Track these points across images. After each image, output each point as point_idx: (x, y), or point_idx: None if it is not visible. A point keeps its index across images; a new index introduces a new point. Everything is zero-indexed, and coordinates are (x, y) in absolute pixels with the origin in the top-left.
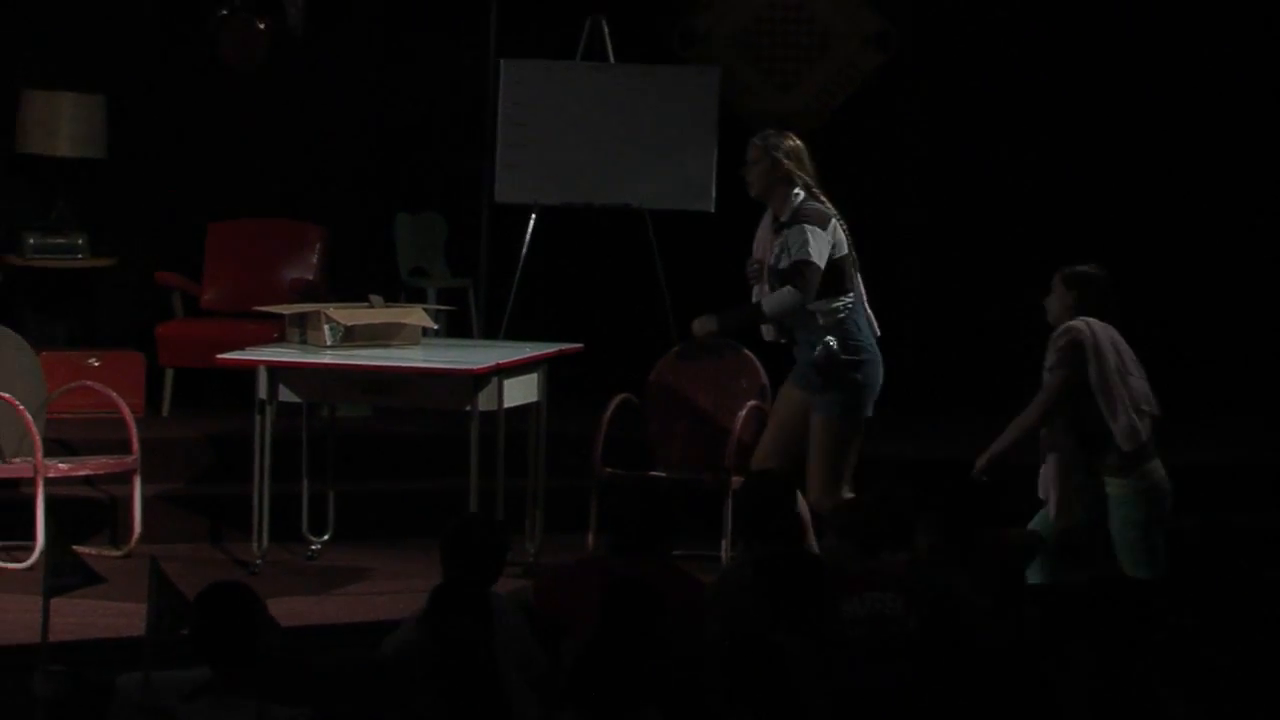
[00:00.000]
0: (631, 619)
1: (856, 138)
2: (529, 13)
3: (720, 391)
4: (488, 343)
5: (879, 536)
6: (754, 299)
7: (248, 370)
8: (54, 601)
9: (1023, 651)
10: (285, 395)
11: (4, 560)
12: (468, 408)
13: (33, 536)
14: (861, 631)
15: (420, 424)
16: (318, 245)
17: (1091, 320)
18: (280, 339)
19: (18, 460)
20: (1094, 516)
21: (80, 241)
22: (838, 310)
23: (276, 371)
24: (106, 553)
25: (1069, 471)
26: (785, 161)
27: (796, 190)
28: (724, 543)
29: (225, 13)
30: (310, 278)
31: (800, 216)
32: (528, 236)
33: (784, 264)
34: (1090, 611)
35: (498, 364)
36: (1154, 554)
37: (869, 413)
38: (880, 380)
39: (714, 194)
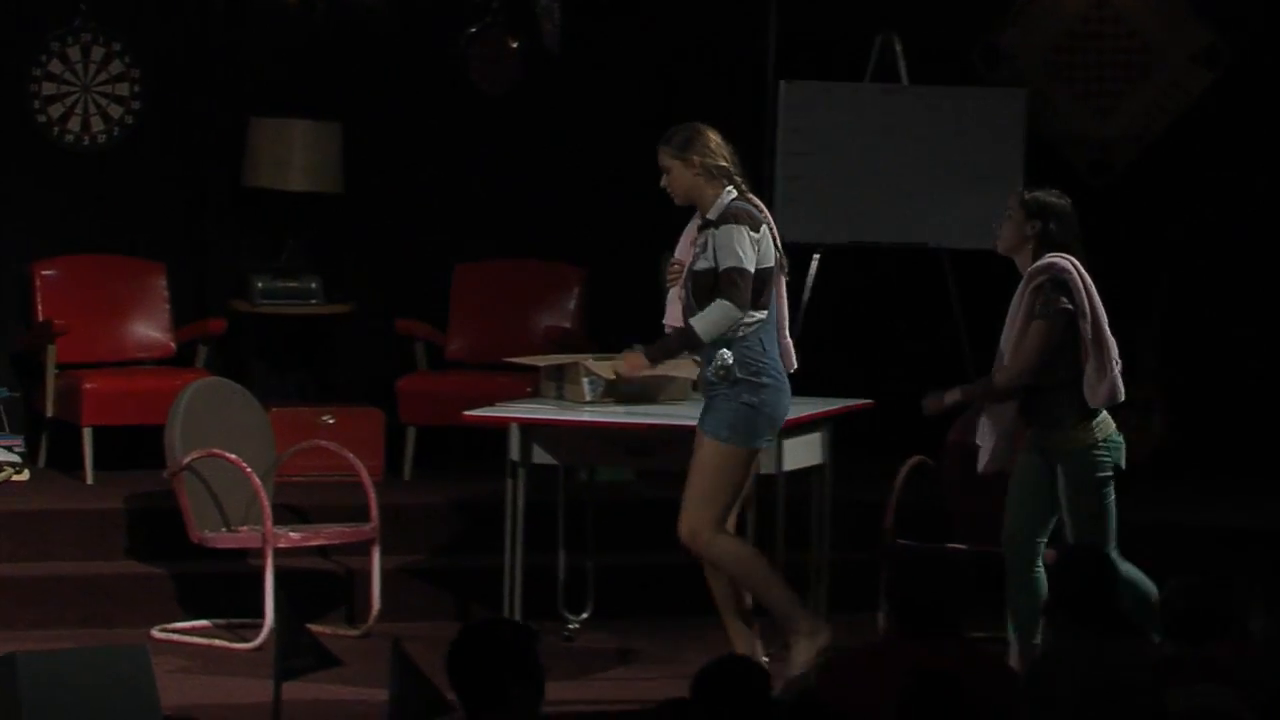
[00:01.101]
0: (933, 715)
1: (1178, 168)
2: (811, 29)
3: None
4: None
5: (1207, 621)
6: (668, 302)
7: (498, 429)
8: (286, 686)
9: None
10: (540, 457)
11: (230, 640)
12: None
13: (261, 614)
14: None
15: None
16: (575, 289)
17: (1073, 259)
18: (534, 394)
19: (245, 529)
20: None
21: (313, 285)
22: (743, 325)
23: (530, 430)
24: (342, 632)
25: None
26: (706, 159)
27: (729, 188)
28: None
29: (474, 30)
30: (567, 325)
31: (729, 216)
32: (809, 279)
33: (703, 265)
34: None
35: None
36: (1105, 519)
37: (763, 444)
38: (784, 412)
39: None
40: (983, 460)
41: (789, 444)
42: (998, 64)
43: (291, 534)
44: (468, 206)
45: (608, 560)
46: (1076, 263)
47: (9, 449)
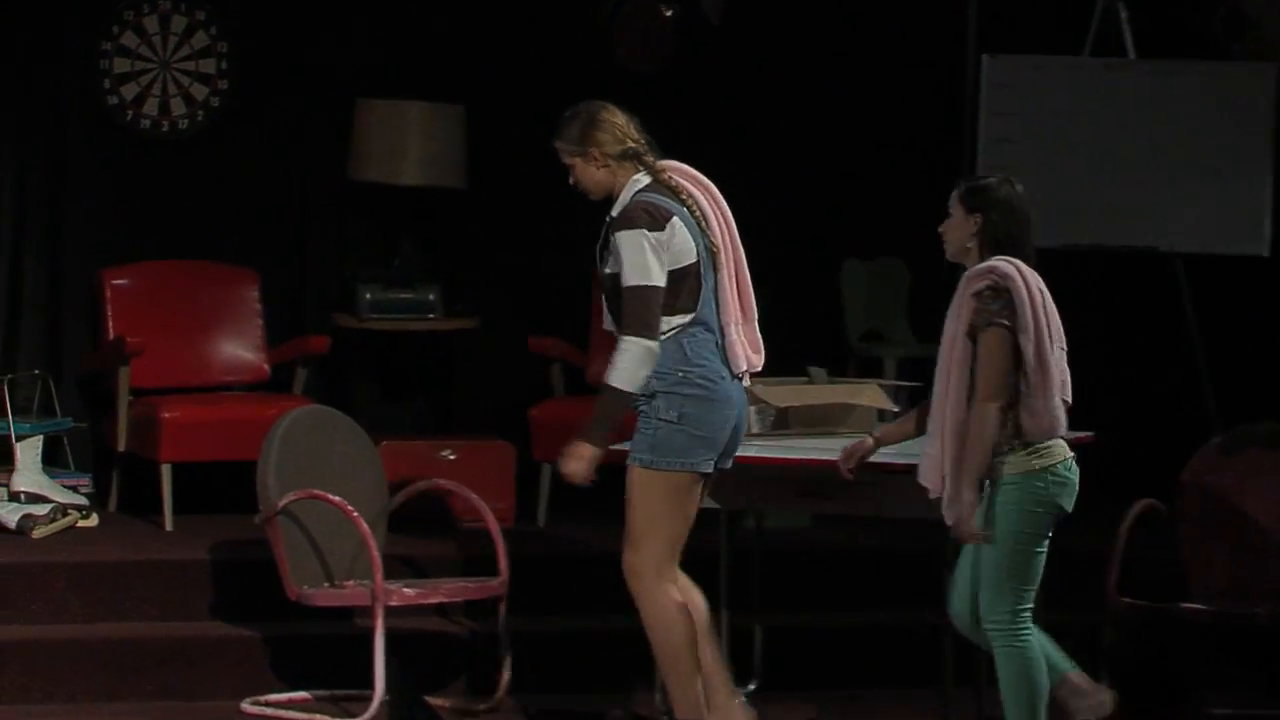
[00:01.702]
0: None
1: None
2: None
3: (1278, 496)
4: None
5: None
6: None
7: None
8: None
9: None
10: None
11: (334, 714)
12: (941, 516)
13: (370, 684)
14: None
15: (876, 537)
16: None
17: (1019, 263)
18: None
19: (351, 584)
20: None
21: (431, 297)
22: (665, 333)
23: None
24: (466, 706)
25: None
26: (607, 148)
27: (637, 175)
28: None
29: (621, 0)
30: None
31: (626, 219)
32: None
33: (611, 269)
34: None
35: None
36: (1025, 569)
37: (699, 467)
38: (722, 425)
39: (1269, 232)
40: (946, 510)
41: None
42: (1243, 32)
43: (405, 590)
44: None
45: (778, 621)
46: (1023, 267)
47: (75, 489)
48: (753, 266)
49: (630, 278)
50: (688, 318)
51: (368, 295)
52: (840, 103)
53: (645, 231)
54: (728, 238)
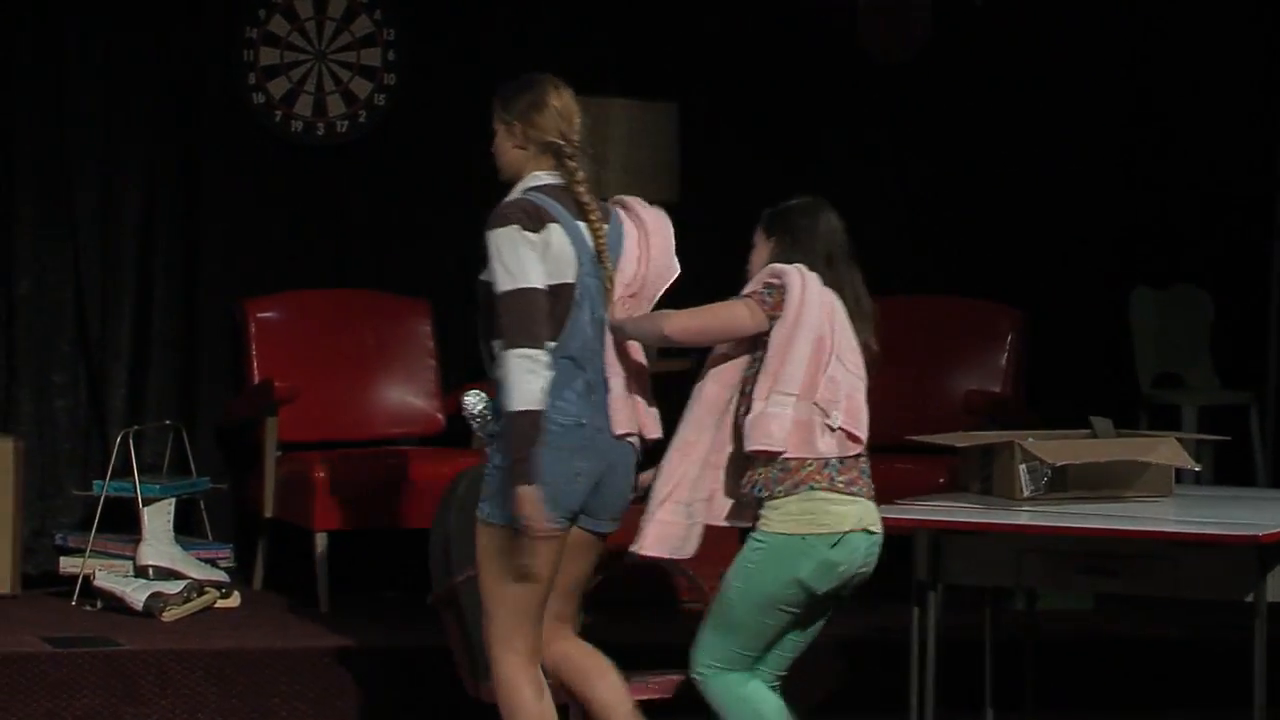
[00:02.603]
0: None
1: None
2: None
3: None
4: None
5: None
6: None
7: (899, 535)
8: None
9: None
10: (958, 574)
11: None
12: (1249, 597)
13: None
14: None
15: (1173, 623)
16: (1008, 337)
17: (806, 270)
18: (950, 486)
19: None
20: None
21: None
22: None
23: (944, 537)
24: None
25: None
26: (532, 130)
27: (539, 174)
28: None
29: None
30: (996, 390)
31: (500, 215)
32: None
33: (485, 275)
34: None
35: None
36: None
37: (560, 523)
38: (577, 481)
39: None
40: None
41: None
42: None
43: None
44: (854, 219)
45: None
46: (809, 274)
47: (213, 563)
48: (1022, 298)
49: (502, 283)
50: (555, 343)
51: None
52: (1127, 101)
53: (519, 229)
54: (639, 283)
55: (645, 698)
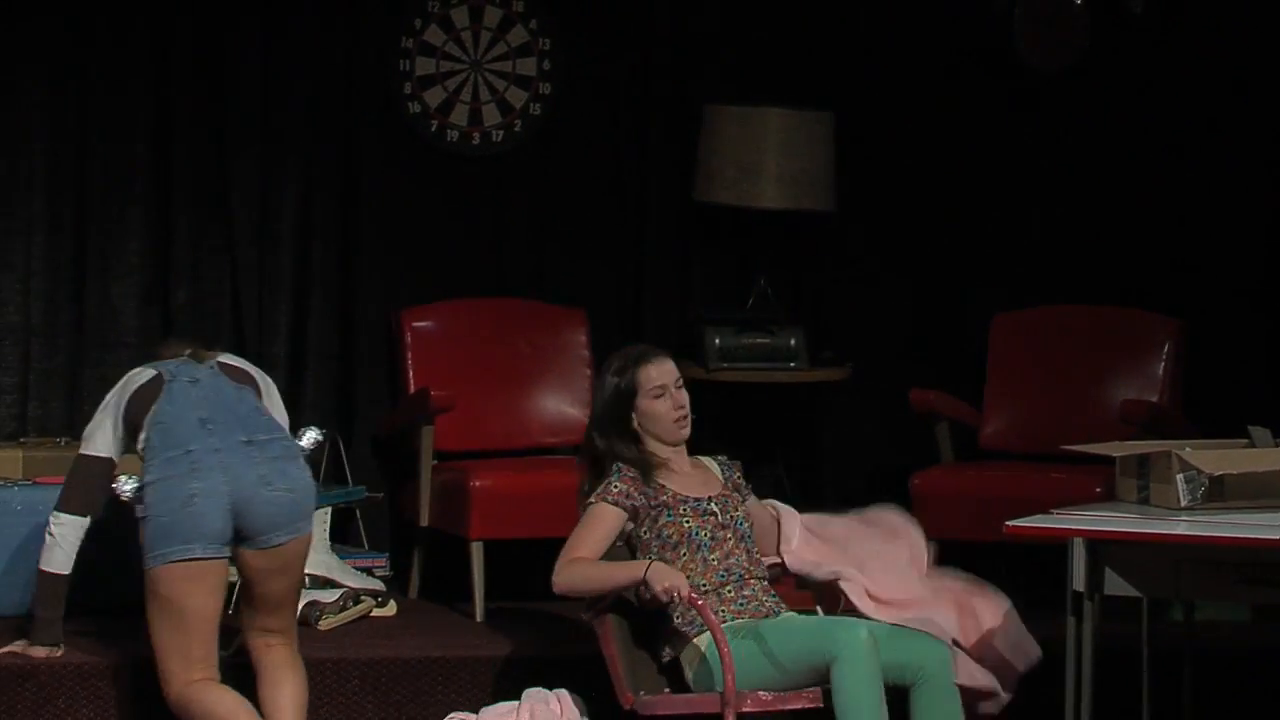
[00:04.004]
0: None
1: None
2: None
3: None
4: None
5: None
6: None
7: (1052, 546)
8: None
9: None
10: (1116, 585)
11: None
12: None
13: None
14: None
15: None
16: (1165, 347)
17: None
18: (1106, 496)
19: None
20: None
21: (793, 343)
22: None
23: (1101, 548)
24: None
25: None
26: None
27: None
28: None
29: None
30: (1154, 399)
31: None
32: None
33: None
34: None
35: None
36: None
37: (176, 556)
38: (192, 504)
39: None
40: None
41: None
42: None
43: (762, 694)
44: (1009, 229)
45: None
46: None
47: (369, 572)
48: (1183, 305)
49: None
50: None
51: (717, 340)
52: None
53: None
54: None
55: (795, 707)
